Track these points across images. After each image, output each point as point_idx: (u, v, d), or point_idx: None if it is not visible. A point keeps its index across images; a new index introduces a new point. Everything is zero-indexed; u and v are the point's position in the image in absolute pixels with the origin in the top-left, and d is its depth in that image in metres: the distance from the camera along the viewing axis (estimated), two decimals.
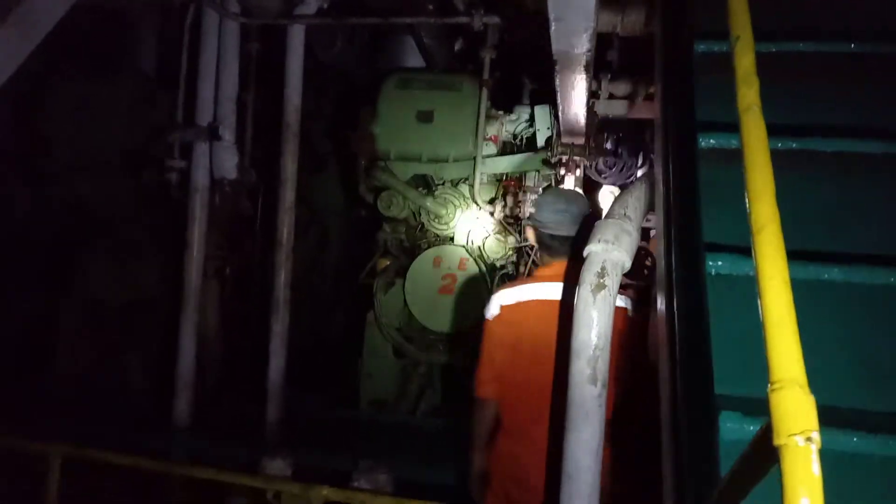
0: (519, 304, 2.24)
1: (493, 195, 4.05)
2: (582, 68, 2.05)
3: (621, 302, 2.21)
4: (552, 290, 2.20)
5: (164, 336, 3.72)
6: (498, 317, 2.26)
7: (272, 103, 3.39)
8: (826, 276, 1.53)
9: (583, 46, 1.89)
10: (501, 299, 2.28)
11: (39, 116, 3.64)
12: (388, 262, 4.23)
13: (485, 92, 3.82)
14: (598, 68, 2.54)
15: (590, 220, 2.20)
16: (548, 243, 2.26)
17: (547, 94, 3.46)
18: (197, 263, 3.35)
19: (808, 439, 0.89)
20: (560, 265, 2.24)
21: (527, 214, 3.89)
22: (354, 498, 2.35)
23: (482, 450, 2.34)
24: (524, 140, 4.05)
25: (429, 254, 3.98)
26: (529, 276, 2.35)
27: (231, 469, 2.54)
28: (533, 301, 2.23)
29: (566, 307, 2.08)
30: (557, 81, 2.21)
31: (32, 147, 3.69)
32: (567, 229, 2.21)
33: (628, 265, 2.18)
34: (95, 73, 3.88)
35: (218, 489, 2.68)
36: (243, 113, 3.95)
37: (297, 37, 3.22)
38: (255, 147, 4.18)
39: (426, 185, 4.11)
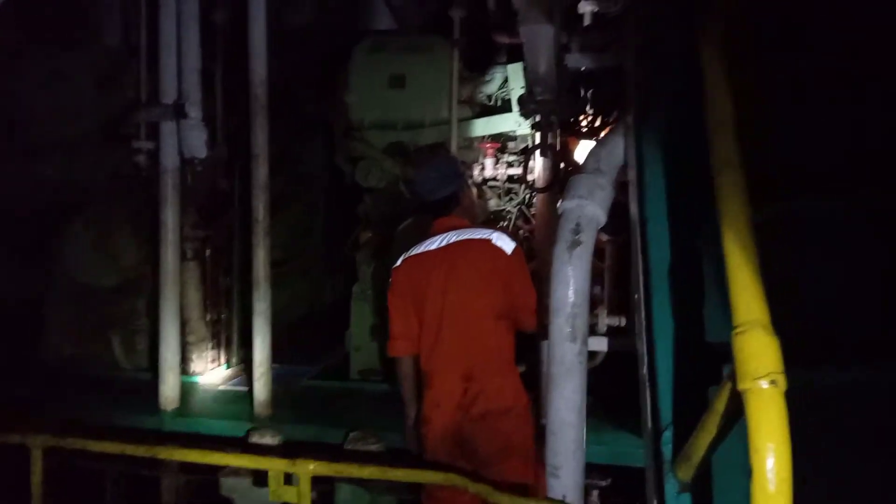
0: (412, 258, 2.57)
1: (472, 158, 3.97)
2: (545, 18, 1.97)
3: (499, 241, 2.45)
4: (433, 242, 2.54)
5: (149, 318, 3.68)
6: (396, 269, 2.61)
7: (246, 73, 3.27)
8: None
9: None
10: (402, 258, 2.61)
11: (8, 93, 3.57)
12: (371, 234, 4.17)
13: (456, 52, 3.71)
14: (568, 19, 2.44)
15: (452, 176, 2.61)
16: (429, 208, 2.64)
17: (521, 52, 3.36)
18: (173, 245, 3.26)
19: (773, 382, 0.86)
20: (443, 220, 2.59)
21: (505, 177, 3.86)
22: (341, 470, 2.35)
23: (412, 403, 2.59)
24: (500, 101, 3.96)
25: (411, 223, 3.92)
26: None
27: (218, 449, 2.53)
28: (422, 253, 2.55)
29: (439, 253, 2.50)
30: (523, 34, 2.13)
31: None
32: (439, 193, 2.57)
33: (603, 220, 2.16)
34: (60, 48, 3.77)
35: (211, 466, 2.69)
36: (212, 86, 3.83)
37: (258, 3, 3.09)
38: (231, 119, 4.07)
39: (404, 152, 4.02)
